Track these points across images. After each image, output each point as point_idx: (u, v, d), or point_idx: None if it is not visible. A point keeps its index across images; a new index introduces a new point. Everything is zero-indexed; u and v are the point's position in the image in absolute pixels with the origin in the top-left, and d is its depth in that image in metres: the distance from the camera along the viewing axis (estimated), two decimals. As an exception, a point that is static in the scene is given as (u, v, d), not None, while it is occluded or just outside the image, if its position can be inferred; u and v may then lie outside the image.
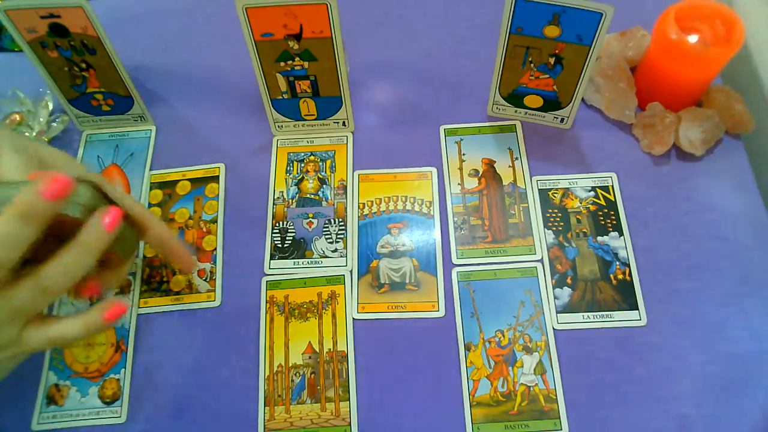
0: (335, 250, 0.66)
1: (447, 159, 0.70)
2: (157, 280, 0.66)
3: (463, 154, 0.70)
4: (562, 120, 0.70)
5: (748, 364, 0.58)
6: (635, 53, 0.71)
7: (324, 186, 0.70)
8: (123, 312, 0.47)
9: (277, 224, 0.68)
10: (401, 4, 0.82)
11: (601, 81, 0.70)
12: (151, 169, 0.72)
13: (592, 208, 0.66)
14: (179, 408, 0.60)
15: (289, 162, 0.71)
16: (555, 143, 0.70)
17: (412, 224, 0.67)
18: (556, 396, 0.58)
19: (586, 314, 0.61)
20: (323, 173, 0.70)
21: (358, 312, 0.63)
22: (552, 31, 0.60)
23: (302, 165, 0.71)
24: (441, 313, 0.62)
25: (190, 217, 0.69)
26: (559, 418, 0.57)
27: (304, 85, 0.67)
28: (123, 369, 0.62)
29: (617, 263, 0.63)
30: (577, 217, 0.66)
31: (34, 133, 0.74)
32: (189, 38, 0.82)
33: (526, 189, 0.68)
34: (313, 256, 0.66)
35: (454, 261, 0.64)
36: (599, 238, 0.65)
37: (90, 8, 0.61)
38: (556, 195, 0.67)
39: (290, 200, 0.69)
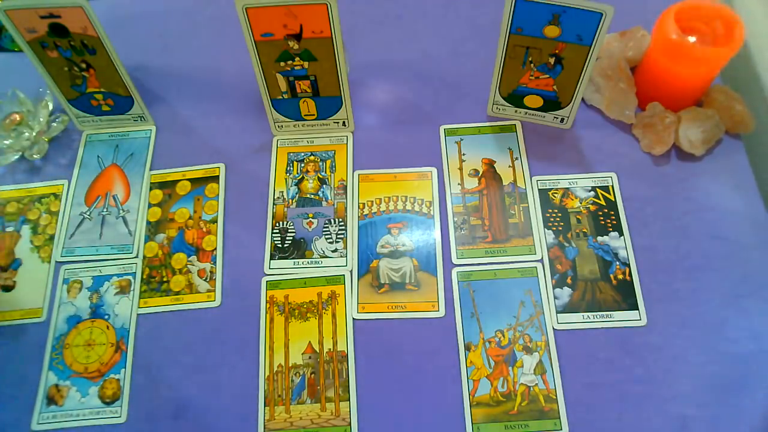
0: (335, 250, 0.66)
1: (447, 159, 0.70)
2: (157, 280, 0.66)
3: (463, 154, 0.70)
4: (562, 120, 0.70)
5: (748, 364, 0.58)
6: (635, 53, 0.71)
7: (324, 186, 0.70)
8: None
9: (277, 224, 0.68)
10: (401, 4, 0.82)
11: (601, 81, 0.70)
12: (151, 169, 0.72)
13: (592, 208, 0.66)
14: (179, 408, 0.60)
15: (289, 162, 0.71)
16: (555, 143, 0.70)
17: (412, 224, 0.67)
18: (556, 396, 0.58)
19: (586, 314, 0.61)
20: (323, 173, 0.70)
21: (358, 312, 0.63)
22: (552, 31, 0.60)
23: (302, 165, 0.71)
24: (441, 313, 0.62)
25: (190, 217, 0.69)
26: (559, 418, 0.57)
27: (304, 85, 0.67)
28: (123, 369, 0.62)
29: (617, 263, 0.63)
30: (577, 217, 0.66)
31: (34, 133, 0.74)
32: (189, 38, 0.82)
33: (526, 189, 0.68)
34: (313, 256, 0.66)
35: (454, 261, 0.64)
36: (599, 238, 0.65)
37: (90, 8, 0.61)
38: (556, 195, 0.67)
39: (290, 200, 0.69)
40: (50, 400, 0.61)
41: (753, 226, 0.64)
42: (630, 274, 0.62)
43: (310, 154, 0.72)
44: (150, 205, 0.70)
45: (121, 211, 0.70)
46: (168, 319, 0.64)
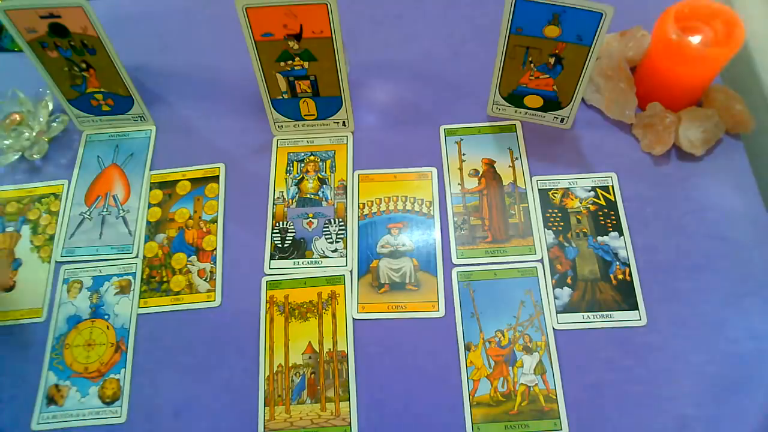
0: (335, 250, 0.66)
1: (447, 159, 0.70)
2: (157, 280, 0.66)
3: (463, 154, 0.70)
4: (562, 120, 0.70)
5: (748, 364, 0.58)
6: (635, 53, 0.71)
7: (324, 186, 0.70)
8: None
9: (277, 224, 0.68)
10: (401, 4, 0.82)
11: (601, 81, 0.70)
12: (151, 169, 0.72)
13: (592, 208, 0.66)
14: (179, 408, 0.60)
15: (289, 162, 0.71)
16: (555, 143, 0.70)
17: (412, 224, 0.67)
18: (556, 396, 0.58)
19: (586, 314, 0.61)
20: (323, 173, 0.70)
21: (358, 312, 0.63)
22: (552, 31, 0.60)
23: (302, 165, 0.71)
24: (441, 313, 0.62)
25: (190, 217, 0.69)
26: (559, 418, 0.57)
27: (304, 85, 0.67)
28: (123, 369, 0.62)
29: (617, 263, 0.63)
30: (577, 217, 0.66)
31: (34, 133, 0.74)
32: (189, 38, 0.82)
33: (526, 189, 0.68)
34: (313, 256, 0.66)
35: (454, 261, 0.64)
36: (599, 238, 0.65)
37: (90, 8, 0.61)
38: (556, 195, 0.67)
39: (290, 200, 0.69)
40: (50, 400, 0.61)
41: (753, 226, 0.64)
42: (630, 274, 0.62)
43: (310, 154, 0.72)
44: (150, 205, 0.70)
45: (121, 211, 0.70)
46: (168, 319, 0.64)
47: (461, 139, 0.71)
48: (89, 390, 0.61)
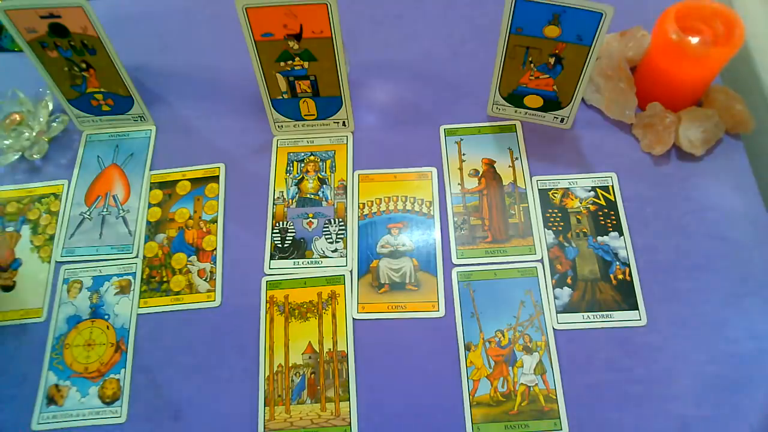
0: (335, 250, 0.66)
1: (447, 159, 0.70)
2: (157, 280, 0.66)
3: (463, 154, 0.70)
4: (562, 120, 0.70)
5: (748, 364, 0.58)
6: (635, 53, 0.71)
7: (324, 186, 0.70)
8: None
9: (277, 224, 0.68)
10: (401, 4, 0.82)
11: (601, 81, 0.70)
12: (151, 169, 0.72)
13: (592, 208, 0.66)
14: (179, 408, 0.60)
15: (289, 162, 0.71)
16: (555, 143, 0.70)
17: (412, 224, 0.67)
18: (556, 396, 0.58)
19: (586, 314, 0.61)
20: (323, 173, 0.70)
21: (358, 312, 0.63)
22: (552, 31, 0.60)
23: (302, 165, 0.71)
24: (441, 313, 0.62)
25: (190, 217, 0.69)
26: (559, 418, 0.57)
27: (304, 85, 0.67)
28: (123, 369, 0.62)
29: (617, 263, 0.63)
30: (577, 217, 0.66)
31: (34, 133, 0.74)
32: (189, 38, 0.82)
33: (526, 189, 0.68)
34: (313, 256, 0.66)
35: (454, 261, 0.64)
36: (599, 238, 0.65)
37: (90, 8, 0.62)
38: (556, 195, 0.67)
39: (290, 200, 0.69)
40: (50, 400, 0.61)
41: (753, 226, 0.64)
42: (630, 274, 0.62)
43: (310, 154, 0.72)
44: (150, 205, 0.70)
45: (121, 211, 0.70)
46: (168, 319, 0.64)
47: (461, 139, 0.71)
48: (89, 390, 0.61)
